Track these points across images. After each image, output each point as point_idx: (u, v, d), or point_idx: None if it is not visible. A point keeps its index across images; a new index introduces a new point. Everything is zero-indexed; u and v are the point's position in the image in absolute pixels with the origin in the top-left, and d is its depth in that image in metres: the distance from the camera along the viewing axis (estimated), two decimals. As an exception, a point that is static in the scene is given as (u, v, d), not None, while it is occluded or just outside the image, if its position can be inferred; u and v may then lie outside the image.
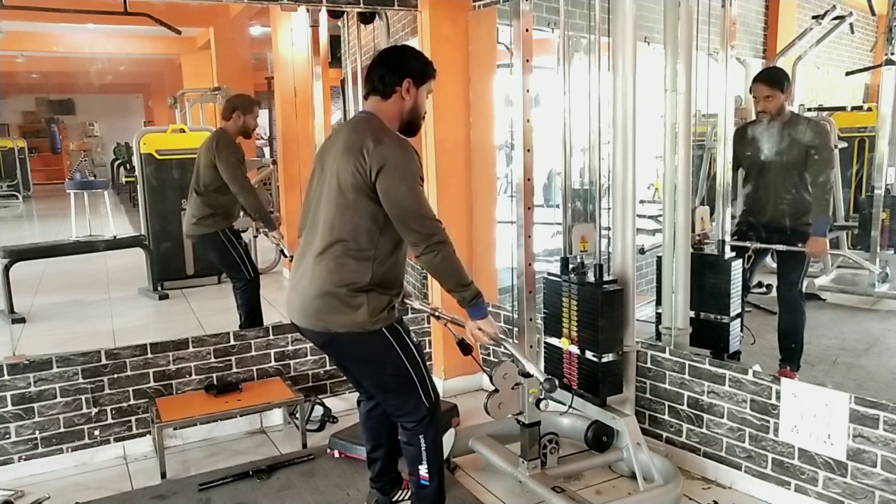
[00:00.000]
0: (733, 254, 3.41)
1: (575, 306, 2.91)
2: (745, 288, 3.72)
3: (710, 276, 3.31)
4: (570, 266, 3.01)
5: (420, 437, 2.37)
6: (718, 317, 3.38)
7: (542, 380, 2.35)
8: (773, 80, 3.55)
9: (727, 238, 3.40)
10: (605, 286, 2.84)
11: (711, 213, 3.45)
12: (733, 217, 3.61)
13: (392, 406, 2.41)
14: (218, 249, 4.10)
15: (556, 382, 2.38)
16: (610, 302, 2.83)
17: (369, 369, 2.38)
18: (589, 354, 2.94)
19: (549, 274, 3.07)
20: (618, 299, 2.86)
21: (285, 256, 4.33)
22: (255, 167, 6.28)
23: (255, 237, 4.36)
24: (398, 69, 2.30)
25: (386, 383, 2.37)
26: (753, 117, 3.68)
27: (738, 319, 3.44)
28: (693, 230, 3.23)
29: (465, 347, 2.43)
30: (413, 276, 4.25)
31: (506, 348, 2.45)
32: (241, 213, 4.16)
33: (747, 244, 3.56)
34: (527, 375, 2.63)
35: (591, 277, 2.92)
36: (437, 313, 2.67)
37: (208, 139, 4.10)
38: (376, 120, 2.29)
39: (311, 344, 3.74)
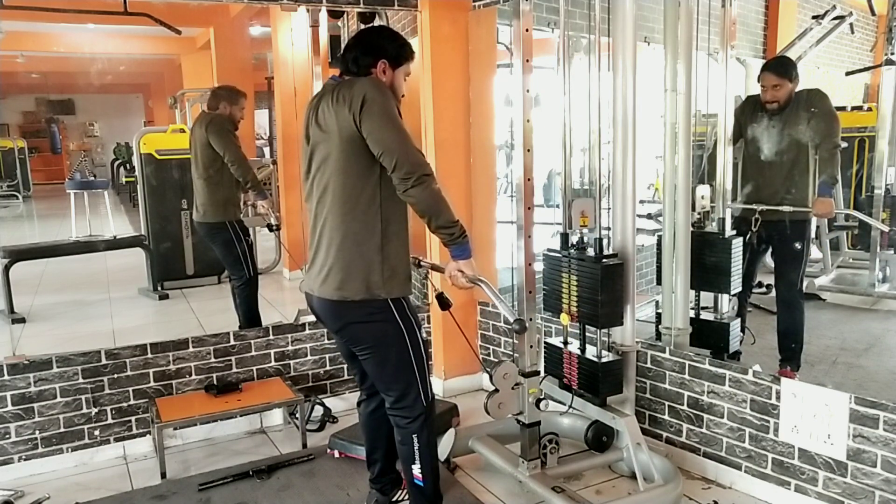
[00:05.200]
0: (734, 232, 3.40)
1: (575, 281, 2.90)
2: (748, 286, 3.72)
3: (711, 255, 3.30)
4: (570, 242, 3.00)
5: (414, 436, 2.38)
6: (718, 308, 3.39)
7: (511, 320, 2.38)
8: (781, 69, 3.51)
9: (727, 217, 3.39)
10: (605, 260, 2.83)
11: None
12: (734, 198, 3.61)
13: (391, 395, 2.40)
14: (224, 243, 4.11)
15: (527, 324, 2.39)
16: (610, 276, 2.81)
17: (377, 353, 2.36)
18: (589, 354, 2.95)
19: (549, 250, 3.05)
20: (618, 273, 2.84)
21: (272, 230, 4.33)
22: (255, 167, 6.27)
23: (246, 206, 4.36)
24: (373, 51, 2.28)
25: (389, 370, 2.37)
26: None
27: (738, 319, 3.45)
28: (693, 209, 3.23)
29: (443, 302, 2.42)
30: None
31: (483, 289, 2.41)
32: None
33: (753, 206, 3.53)
34: (527, 375, 2.64)
35: (590, 252, 2.91)
36: (418, 260, 2.67)
37: (198, 119, 4.15)
38: (349, 79, 2.28)
39: (312, 343, 3.75)
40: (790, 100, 3.48)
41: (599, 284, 2.79)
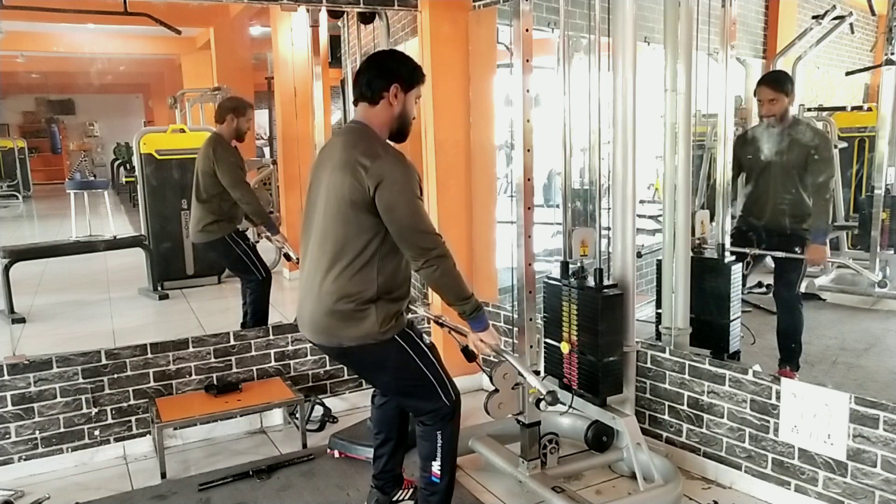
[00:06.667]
0: (733, 258, 3.40)
1: (575, 311, 2.91)
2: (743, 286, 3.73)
3: (710, 280, 3.31)
4: (570, 270, 3.00)
5: (437, 433, 2.36)
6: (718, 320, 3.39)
7: (544, 392, 2.36)
8: (777, 83, 3.56)
9: (727, 242, 3.40)
10: (606, 291, 2.84)
11: (711, 218, 3.46)
12: (733, 217, 3.62)
13: (412, 408, 2.43)
14: (226, 254, 4.10)
15: (558, 395, 2.40)
16: (610, 307, 2.83)
17: (386, 376, 2.38)
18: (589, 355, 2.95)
19: (549, 278, 3.06)
20: (618, 304, 2.86)
21: (290, 259, 4.30)
22: (255, 167, 6.27)
23: (257, 242, 4.35)
24: (385, 74, 2.28)
25: (405, 388, 2.38)
26: (756, 120, 3.69)
27: (738, 320, 3.45)
28: (693, 233, 3.23)
29: (469, 354, 2.43)
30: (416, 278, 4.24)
31: (507, 361, 2.45)
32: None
33: (746, 250, 3.57)
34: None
35: (591, 282, 2.92)
36: (440, 321, 2.68)
37: (205, 146, 4.07)
38: (368, 131, 2.28)
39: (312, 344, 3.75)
40: (786, 113, 3.51)
41: (599, 315, 2.80)
